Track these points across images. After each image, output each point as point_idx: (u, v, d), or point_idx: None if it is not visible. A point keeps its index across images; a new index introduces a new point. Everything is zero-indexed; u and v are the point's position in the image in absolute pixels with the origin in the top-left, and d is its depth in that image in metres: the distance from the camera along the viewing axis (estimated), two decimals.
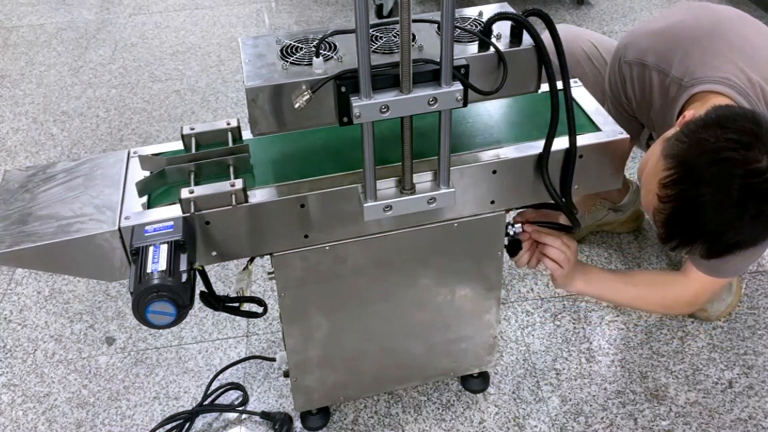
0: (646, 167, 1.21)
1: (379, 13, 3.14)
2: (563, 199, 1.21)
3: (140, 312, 0.95)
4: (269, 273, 1.22)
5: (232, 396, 1.57)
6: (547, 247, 1.32)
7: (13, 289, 1.90)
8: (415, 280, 1.29)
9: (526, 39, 1.06)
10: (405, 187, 1.10)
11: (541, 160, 1.15)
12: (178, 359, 1.67)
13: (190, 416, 1.51)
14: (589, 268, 1.43)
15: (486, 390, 1.57)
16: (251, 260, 1.23)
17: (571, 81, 1.16)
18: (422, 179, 1.12)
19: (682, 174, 1.11)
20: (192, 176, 1.12)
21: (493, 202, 1.20)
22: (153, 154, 1.17)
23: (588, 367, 1.62)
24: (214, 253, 1.11)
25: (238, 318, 1.74)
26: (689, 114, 1.18)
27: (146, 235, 1.01)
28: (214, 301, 1.16)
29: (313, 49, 1.02)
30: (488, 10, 1.13)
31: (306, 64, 1.02)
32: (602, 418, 1.52)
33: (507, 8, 1.10)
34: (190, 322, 1.76)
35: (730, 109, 1.16)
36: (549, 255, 1.32)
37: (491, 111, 1.28)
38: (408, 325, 1.36)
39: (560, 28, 1.07)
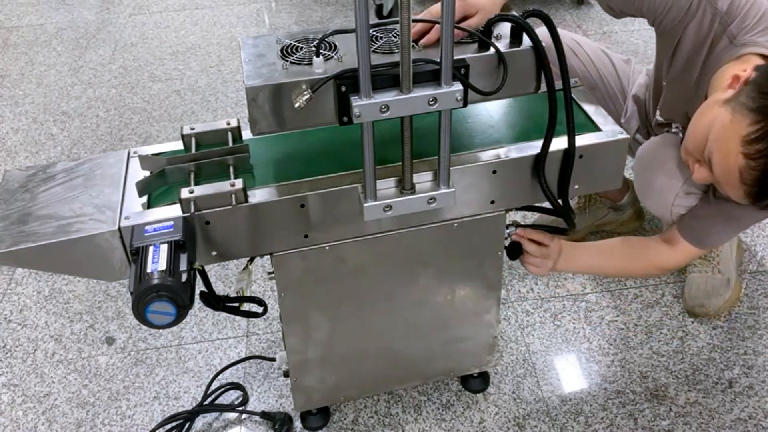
0: (711, 134, 1.19)
1: (379, 13, 3.14)
2: (561, 201, 1.21)
3: (140, 312, 0.95)
4: (269, 273, 1.22)
5: (232, 396, 1.57)
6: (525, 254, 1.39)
7: (13, 289, 1.90)
8: (415, 280, 1.29)
9: (526, 40, 1.06)
10: (405, 187, 1.10)
11: (539, 161, 1.15)
12: (178, 359, 1.67)
13: (190, 416, 1.51)
14: (566, 245, 1.44)
15: (486, 390, 1.57)
16: (251, 260, 1.23)
17: (571, 81, 1.16)
18: (422, 179, 1.12)
19: None
20: (192, 176, 1.12)
21: (493, 202, 1.20)
22: (153, 154, 1.17)
23: (588, 367, 1.63)
24: (214, 253, 1.11)
25: (238, 318, 1.73)
26: (745, 74, 1.17)
27: (146, 234, 1.01)
28: (214, 301, 1.16)
29: (313, 48, 1.02)
30: None
31: (306, 64, 1.02)
32: (602, 418, 1.52)
33: None
34: (190, 322, 1.76)
35: None
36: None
37: (491, 111, 1.28)
38: (408, 325, 1.36)
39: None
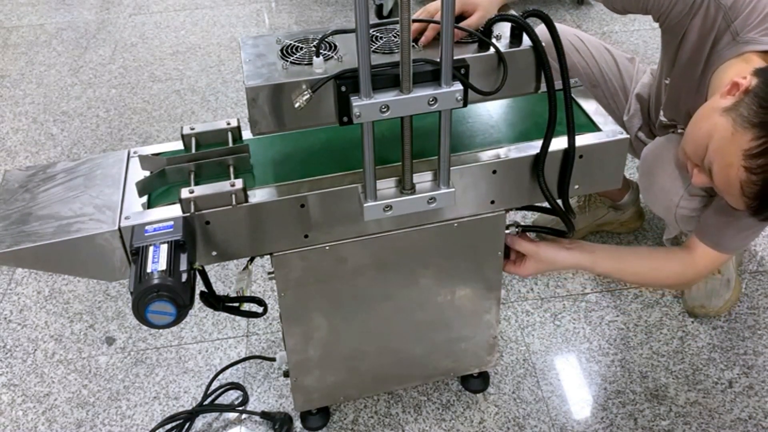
0: (711, 143, 1.18)
1: (379, 13, 3.15)
2: (561, 202, 1.21)
3: (140, 312, 0.95)
4: (269, 273, 1.22)
5: (232, 396, 1.57)
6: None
7: (13, 289, 1.90)
8: (415, 280, 1.29)
9: (526, 39, 1.06)
10: (405, 187, 1.10)
11: (538, 161, 1.15)
12: (178, 359, 1.67)
13: (190, 416, 1.51)
14: (582, 243, 1.43)
15: (486, 390, 1.57)
16: (251, 260, 1.23)
17: (572, 81, 1.16)
18: (422, 179, 1.12)
19: None
20: (192, 176, 1.12)
21: (493, 202, 1.20)
22: (153, 154, 1.17)
23: (588, 367, 1.63)
24: (214, 253, 1.11)
25: (238, 318, 1.74)
26: (744, 81, 1.15)
27: (146, 234, 1.01)
28: (214, 301, 1.16)
29: (313, 48, 1.02)
30: None
31: (306, 64, 1.02)
32: (602, 418, 1.52)
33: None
34: (190, 322, 1.76)
35: None
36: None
37: (491, 111, 1.28)
38: (408, 325, 1.36)
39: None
